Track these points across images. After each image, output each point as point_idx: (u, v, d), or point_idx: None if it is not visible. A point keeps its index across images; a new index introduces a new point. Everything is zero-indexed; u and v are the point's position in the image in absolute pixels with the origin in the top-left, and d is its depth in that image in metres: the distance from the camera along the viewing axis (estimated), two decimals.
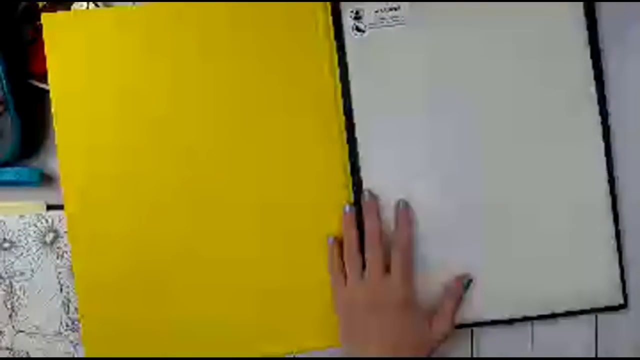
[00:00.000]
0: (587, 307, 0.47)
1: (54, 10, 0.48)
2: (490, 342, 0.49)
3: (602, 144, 0.48)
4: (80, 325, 0.47)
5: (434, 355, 0.45)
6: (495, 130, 0.47)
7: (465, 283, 0.46)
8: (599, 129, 0.48)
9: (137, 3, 0.49)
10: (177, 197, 0.47)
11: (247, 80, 0.47)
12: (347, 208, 0.47)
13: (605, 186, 0.47)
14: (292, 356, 0.48)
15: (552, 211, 0.47)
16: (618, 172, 0.48)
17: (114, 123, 0.47)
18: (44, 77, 0.48)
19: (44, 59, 0.48)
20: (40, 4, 0.48)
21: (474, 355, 0.49)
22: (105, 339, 0.47)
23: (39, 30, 0.49)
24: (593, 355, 0.49)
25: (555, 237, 0.47)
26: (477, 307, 0.47)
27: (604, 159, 0.48)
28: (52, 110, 0.47)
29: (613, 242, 0.47)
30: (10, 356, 0.48)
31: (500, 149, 0.47)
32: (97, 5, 0.48)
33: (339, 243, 0.46)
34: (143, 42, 0.47)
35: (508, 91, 0.47)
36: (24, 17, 0.49)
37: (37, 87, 0.48)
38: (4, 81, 0.46)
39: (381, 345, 0.43)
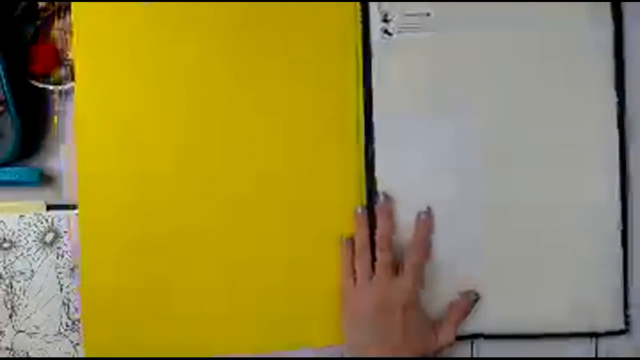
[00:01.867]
0: (588, 329, 0.47)
1: (54, 10, 0.49)
2: (489, 352, 0.48)
3: (617, 166, 0.47)
4: (81, 323, 0.47)
5: None
6: (517, 137, 0.47)
7: (472, 298, 0.46)
8: (615, 158, 0.47)
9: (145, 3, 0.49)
10: (192, 195, 0.47)
11: (269, 77, 0.47)
12: (359, 209, 0.47)
13: (616, 209, 0.47)
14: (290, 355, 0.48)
15: (560, 229, 0.47)
16: (632, 191, 0.47)
17: (132, 120, 0.47)
18: (44, 77, 0.48)
19: (44, 59, 0.48)
20: (40, 4, 0.48)
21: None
22: (106, 337, 0.47)
23: (39, 30, 0.49)
24: None
25: (562, 255, 0.47)
26: (477, 319, 0.46)
27: (618, 181, 0.47)
28: (74, 102, 0.47)
29: (619, 266, 0.47)
30: (10, 356, 0.48)
31: (521, 155, 0.47)
32: None
33: (352, 244, 0.46)
34: (171, 38, 0.47)
35: (531, 97, 0.47)
36: (24, 17, 0.49)
37: (37, 87, 0.48)
38: (4, 81, 0.46)
39: (382, 346, 0.43)
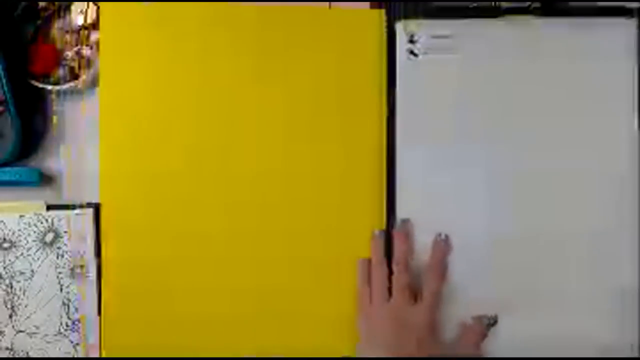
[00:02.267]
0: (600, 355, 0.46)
1: (54, 10, 0.49)
2: None
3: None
4: (101, 317, 0.47)
5: None
6: (541, 164, 0.46)
7: (486, 322, 0.45)
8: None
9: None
10: (208, 198, 0.47)
11: (292, 93, 0.47)
12: (377, 232, 0.46)
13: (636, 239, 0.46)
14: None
15: (577, 255, 0.46)
16: None
17: (154, 120, 0.47)
18: (44, 77, 0.49)
19: (44, 59, 0.48)
20: (40, 4, 0.48)
21: None
22: (124, 332, 0.47)
23: (39, 30, 0.49)
24: None
25: (578, 283, 0.46)
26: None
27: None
28: (99, 101, 0.47)
29: (635, 298, 0.46)
30: (10, 356, 0.48)
31: (542, 182, 0.46)
32: (97, 6, 0.48)
33: (368, 264, 0.46)
34: (198, 42, 0.47)
35: (555, 124, 0.46)
36: (24, 17, 0.49)
37: (37, 87, 0.48)
38: (4, 81, 0.46)
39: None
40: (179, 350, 0.47)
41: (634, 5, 0.47)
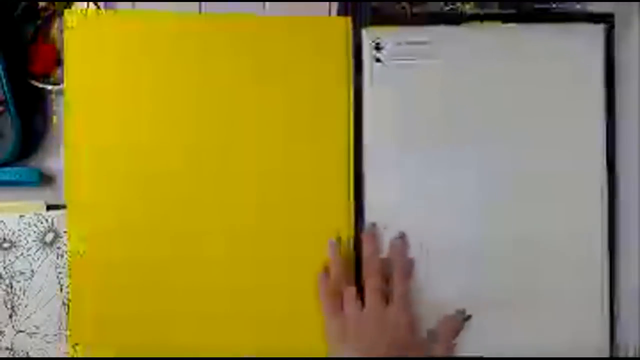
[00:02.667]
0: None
1: (54, 10, 0.49)
2: None
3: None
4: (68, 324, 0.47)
5: None
6: (511, 167, 0.47)
7: (461, 317, 0.46)
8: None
9: (136, 5, 0.49)
10: (181, 198, 0.47)
11: (260, 98, 0.47)
12: (332, 241, 0.47)
13: (605, 244, 0.47)
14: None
15: (556, 260, 0.47)
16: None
17: (122, 123, 0.47)
18: (44, 77, 0.49)
19: (44, 59, 0.48)
20: (40, 4, 0.48)
21: None
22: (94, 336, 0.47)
23: (39, 30, 0.49)
24: None
25: (557, 287, 0.47)
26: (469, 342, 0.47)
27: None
28: (64, 104, 0.47)
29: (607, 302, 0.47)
30: (10, 356, 0.48)
31: (512, 185, 0.47)
32: (97, 6, 0.48)
33: (326, 276, 0.46)
34: (164, 46, 0.47)
35: (527, 128, 0.47)
36: (24, 17, 0.49)
37: (37, 87, 0.48)
38: (4, 81, 0.46)
39: None
40: (165, 350, 0.47)
41: (603, 11, 0.48)
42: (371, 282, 0.45)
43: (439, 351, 0.44)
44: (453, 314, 0.46)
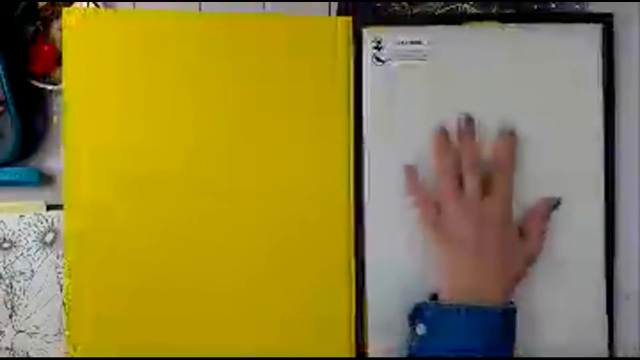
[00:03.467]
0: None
1: (54, 10, 0.49)
2: None
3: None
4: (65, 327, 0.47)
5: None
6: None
7: (552, 203, 0.46)
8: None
9: (137, 4, 0.49)
10: (181, 198, 0.47)
11: (260, 98, 0.47)
12: (439, 133, 0.46)
13: (605, 244, 0.47)
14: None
15: (555, 260, 0.47)
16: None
17: (121, 124, 0.47)
18: (44, 77, 0.49)
19: (44, 59, 0.48)
20: (40, 4, 0.48)
21: None
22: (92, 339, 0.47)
23: (39, 30, 0.49)
24: None
25: (556, 287, 0.47)
26: None
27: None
28: (63, 104, 0.46)
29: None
30: (10, 356, 0.48)
31: (516, 188, 0.47)
32: (97, 5, 0.48)
33: (413, 170, 0.46)
34: (163, 46, 0.47)
35: (527, 127, 0.47)
36: (24, 17, 0.49)
37: (37, 87, 0.48)
38: (4, 81, 0.46)
39: (479, 261, 0.43)
40: (164, 351, 0.47)
41: (602, 11, 0.48)
42: (470, 179, 0.44)
43: (529, 248, 0.45)
44: (542, 201, 0.46)
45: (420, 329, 0.43)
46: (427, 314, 0.43)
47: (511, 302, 0.43)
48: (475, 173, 0.45)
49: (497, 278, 0.43)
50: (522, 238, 0.45)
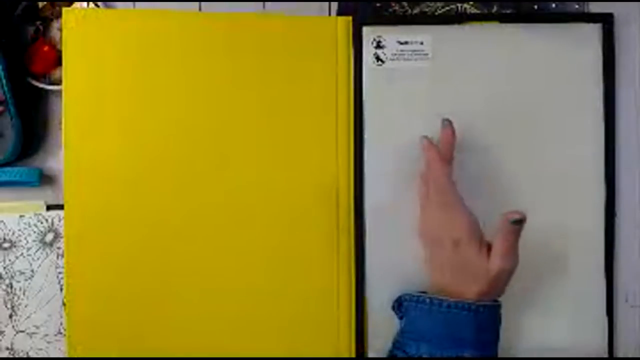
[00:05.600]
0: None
1: (54, 11, 0.49)
2: None
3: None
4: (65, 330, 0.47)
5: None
6: (510, 167, 0.47)
7: (515, 219, 0.41)
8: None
9: (137, 4, 0.49)
10: (181, 199, 0.47)
11: (260, 98, 0.47)
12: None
13: (605, 244, 0.48)
14: None
15: (556, 260, 0.47)
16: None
17: (121, 124, 0.47)
18: (44, 77, 0.49)
19: (44, 59, 0.48)
20: (40, 4, 0.48)
21: None
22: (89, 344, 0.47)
23: (39, 30, 0.49)
24: None
25: (556, 287, 0.47)
26: None
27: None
28: (63, 104, 0.46)
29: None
30: (10, 356, 0.48)
31: (513, 187, 0.47)
32: (97, 5, 0.48)
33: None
34: (163, 46, 0.47)
35: (527, 127, 0.47)
36: (24, 17, 0.49)
37: (37, 87, 0.48)
38: (4, 81, 0.46)
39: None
40: (163, 351, 0.47)
41: (602, 11, 0.48)
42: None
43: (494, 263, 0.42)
44: (503, 220, 0.42)
45: (401, 321, 0.44)
46: (406, 305, 0.44)
47: (495, 301, 0.43)
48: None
49: (471, 276, 0.42)
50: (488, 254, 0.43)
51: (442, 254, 0.43)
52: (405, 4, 0.49)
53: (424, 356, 0.42)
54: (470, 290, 0.42)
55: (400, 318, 0.45)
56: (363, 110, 0.48)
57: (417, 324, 0.43)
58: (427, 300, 0.42)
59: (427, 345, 0.42)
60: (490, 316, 0.42)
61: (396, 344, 0.44)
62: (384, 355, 0.46)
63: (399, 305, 0.45)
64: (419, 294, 0.43)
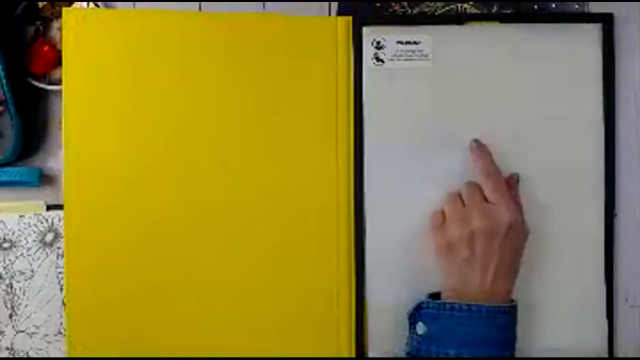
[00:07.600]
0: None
1: (54, 11, 0.49)
2: None
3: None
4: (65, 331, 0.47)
5: None
6: (510, 167, 0.47)
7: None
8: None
9: (137, 4, 0.49)
10: (181, 199, 0.47)
11: (259, 98, 0.47)
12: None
13: (605, 244, 0.48)
14: None
15: (556, 260, 0.47)
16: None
17: (121, 124, 0.47)
18: (44, 77, 0.49)
19: (44, 59, 0.48)
20: (40, 4, 0.49)
21: None
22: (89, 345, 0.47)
23: (39, 30, 0.49)
24: None
25: (556, 287, 0.47)
26: None
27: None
28: (63, 104, 0.46)
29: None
30: (10, 356, 0.48)
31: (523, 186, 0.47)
32: (97, 5, 0.48)
33: None
34: (163, 46, 0.47)
35: (527, 127, 0.47)
36: (24, 17, 0.49)
37: (37, 87, 0.48)
38: (4, 81, 0.46)
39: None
40: (162, 351, 0.47)
41: (602, 11, 0.48)
42: (466, 188, 0.45)
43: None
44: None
45: (420, 328, 0.43)
46: (427, 313, 0.43)
47: (512, 301, 0.43)
48: (469, 186, 0.45)
49: (500, 278, 0.43)
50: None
51: (486, 254, 0.42)
52: (405, 4, 0.49)
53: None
54: (496, 290, 0.42)
55: (412, 324, 0.44)
56: (363, 110, 0.48)
57: (455, 331, 0.42)
58: (465, 307, 0.42)
59: (468, 352, 0.41)
60: (515, 316, 0.43)
61: (420, 352, 0.43)
62: (384, 356, 0.47)
63: (416, 311, 0.44)
64: (452, 302, 0.42)
